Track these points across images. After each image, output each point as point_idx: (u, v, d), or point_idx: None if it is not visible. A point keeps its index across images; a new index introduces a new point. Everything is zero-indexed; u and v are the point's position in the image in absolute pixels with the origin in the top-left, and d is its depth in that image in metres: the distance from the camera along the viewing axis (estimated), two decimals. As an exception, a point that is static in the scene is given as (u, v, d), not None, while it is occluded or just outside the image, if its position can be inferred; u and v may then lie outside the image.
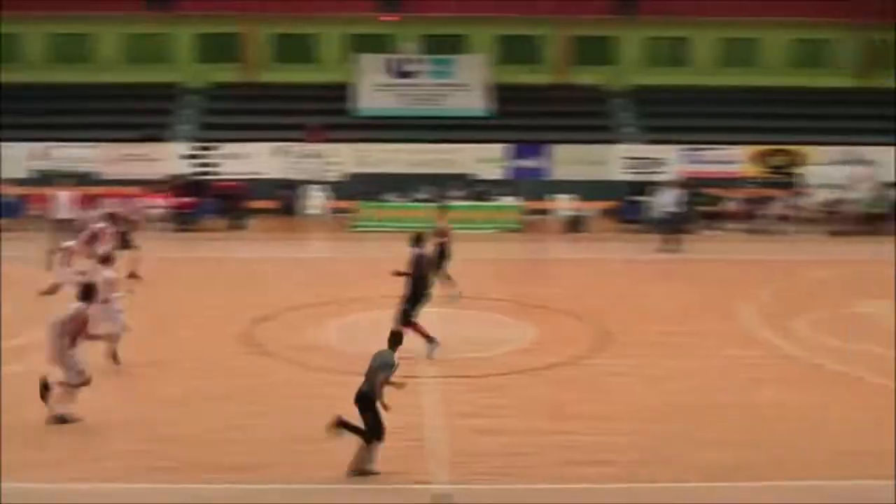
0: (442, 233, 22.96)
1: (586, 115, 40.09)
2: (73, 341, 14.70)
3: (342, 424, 13.07)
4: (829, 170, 37.18)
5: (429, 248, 20.31)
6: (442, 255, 22.51)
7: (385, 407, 12.98)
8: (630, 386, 17.54)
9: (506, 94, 39.89)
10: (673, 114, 40.01)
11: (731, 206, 34.88)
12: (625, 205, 35.60)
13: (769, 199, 35.32)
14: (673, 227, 30.89)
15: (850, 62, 42.03)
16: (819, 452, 14.51)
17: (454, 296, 22.74)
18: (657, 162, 37.54)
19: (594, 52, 41.67)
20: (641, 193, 35.17)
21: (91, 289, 15.25)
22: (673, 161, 37.50)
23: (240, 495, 12.58)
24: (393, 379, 13.21)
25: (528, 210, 35.13)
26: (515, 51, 41.73)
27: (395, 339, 13.60)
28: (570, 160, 37.63)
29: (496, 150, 37.93)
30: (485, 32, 41.52)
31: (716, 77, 41.35)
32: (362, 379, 13.09)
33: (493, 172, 37.60)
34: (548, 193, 35.99)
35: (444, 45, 41.07)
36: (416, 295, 18.89)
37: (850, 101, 41.03)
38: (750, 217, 34.64)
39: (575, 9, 39.89)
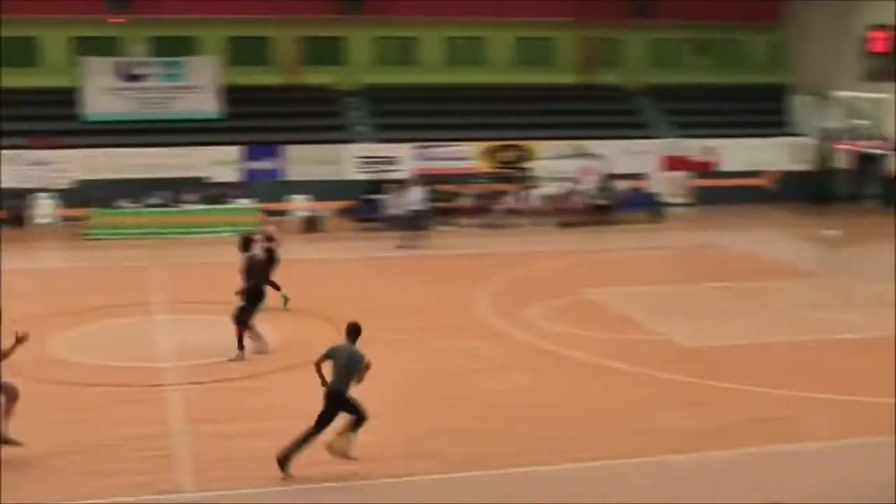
0: (270, 237, 22.61)
1: (319, 116, 40.24)
2: None
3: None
4: (557, 164, 38.56)
5: (258, 251, 20.46)
6: (271, 259, 22.13)
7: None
8: (365, 382, 17.79)
9: (238, 96, 39.61)
10: (404, 112, 40.63)
11: (465, 202, 35.72)
12: (360, 204, 35.95)
13: (500, 193, 36.34)
14: (413, 224, 31.49)
15: (572, 60, 43.62)
16: (543, 439, 15.15)
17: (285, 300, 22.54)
18: (391, 160, 38.04)
19: (324, 52, 41.84)
20: (377, 192, 35.60)
21: None
22: (406, 159, 38.08)
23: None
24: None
25: (265, 211, 35.02)
26: (246, 52, 41.46)
27: (354, 331, 14.01)
28: (304, 160, 37.69)
29: (230, 152, 37.63)
30: (215, 34, 41.08)
31: (444, 75, 42.19)
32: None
33: (228, 175, 37.28)
34: (283, 194, 35.98)
35: (173, 47, 40.40)
36: (253, 297, 19.19)
37: (574, 97, 42.63)
38: (483, 212, 35.54)
39: (302, 9, 39.95)
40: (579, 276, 26.90)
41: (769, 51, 45.48)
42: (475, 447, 14.72)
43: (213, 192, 35.31)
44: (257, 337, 19.50)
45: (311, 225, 34.40)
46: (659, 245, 31.76)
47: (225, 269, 21.52)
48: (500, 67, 42.84)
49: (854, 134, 29.20)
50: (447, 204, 35.30)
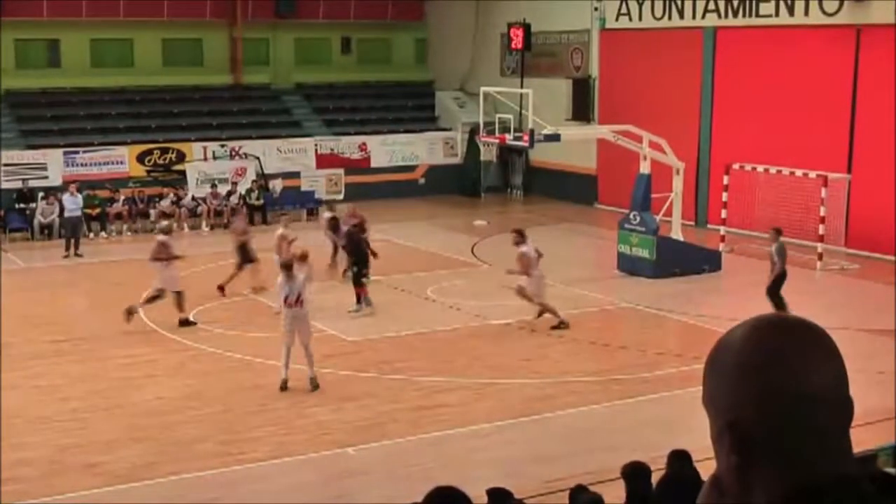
0: (354, 213, 26.44)
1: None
2: None
3: None
4: (211, 165, 38.39)
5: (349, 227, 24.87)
6: (363, 229, 25.11)
7: None
8: (27, 398, 17.42)
9: None
10: (51, 117, 39.39)
11: (118, 207, 35.02)
12: (8, 213, 34.60)
13: (154, 197, 35.87)
14: (73, 231, 30.75)
15: (221, 60, 43.46)
16: (204, 442, 15.35)
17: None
18: (40, 167, 36.78)
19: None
20: (27, 201, 34.39)
21: None
22: (56, 165, 36.89)
23: None
24: None
25: None
26: None
27: None
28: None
29: None
30: None
31: (90, 79, 41.12)
32: None
33: None
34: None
35: None
36: (363, 261, 23.45)
37: (225, 98, 42.53)
38: (137, 216, 34.99)
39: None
40: (237, 277, 26.99)
41: (415, 48, 46.91)
42: (134, 458, 14.71)
43: None
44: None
45: (-45, 238, 32.86)
46: (312, 242, 32.20)
47: None
48: (147, 69, 42.16)
49: (498, 128, 30.62)
50: (100, 210, 34.51)
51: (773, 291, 21.74)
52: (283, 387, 17.65)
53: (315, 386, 17.76)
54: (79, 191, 32.18)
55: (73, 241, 30.63)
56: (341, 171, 40.50)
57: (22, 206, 34.43)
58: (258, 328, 21.55)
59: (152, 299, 22.12)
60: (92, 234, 33.31)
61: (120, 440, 15.39)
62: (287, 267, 18.56)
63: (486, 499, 8.76)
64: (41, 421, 16.25)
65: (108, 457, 14.74)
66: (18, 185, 35.72)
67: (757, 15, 31.98)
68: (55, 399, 17.37)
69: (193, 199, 36.10)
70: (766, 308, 19.32)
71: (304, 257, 20.03)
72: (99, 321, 22.71)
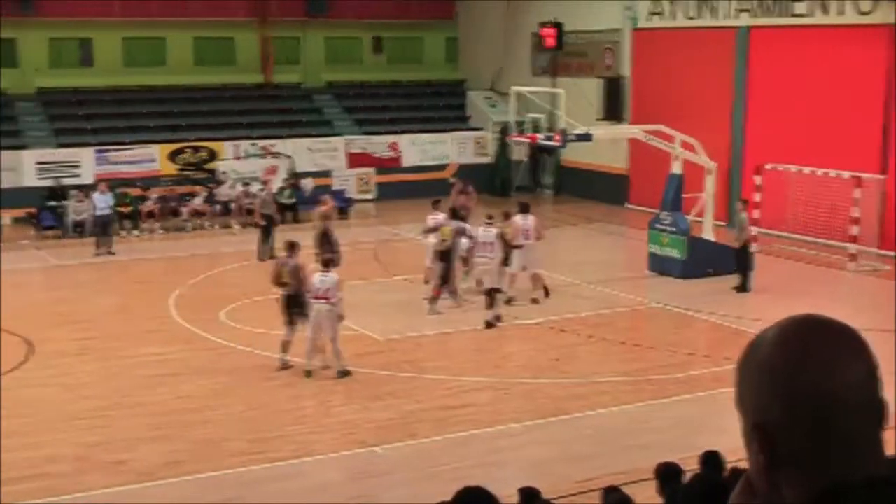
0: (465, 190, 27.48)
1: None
2: None
3: None
4: (242, 164, 38.48)
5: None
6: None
7: None
8: (55, 395, 17.48)
9: None
10: (83, 116, 39.56)
11: (150, 205, 35.11)
12: (41, 211, 34.74)
13: (186, 196, 35.96)
14: (103, 229, 30.84)
15: (252, 59, 43.55)
16: (233, 441, 15.33)
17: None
18: (72, 165, 36.95)
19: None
20: (60, 198, 34.54)
21: None
22: (88, 163, 37.06)
23: None
24: None
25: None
26: None
27: None
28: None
29: None
30: None
31: (122, 78, 41.28)
32: None
33: None
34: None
35: None
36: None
37: (256, 96, 42.61)
38: (169, 214, 35.08)
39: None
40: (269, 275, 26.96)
41: (446, 47, 46.84)
42: (160, 456, 14.70)
43: None
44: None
45: (-12, 235, 33.00)
46: (347, 241, 32.20)
47: None
48: (179, 68, 42.29)
49: (529, 127, 30.50)
50: (132, 208, 34.63)
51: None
52: (283, 366, 18.74)
53: (343, 373, 18.05)
54: (109, 189, 32.26)
55: (104, 239, 30.73)
56: (372, 170, 40.50)
57: (54, 203, 34.57)
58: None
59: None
60: (124, 233, 33.39)
61: (146, 438, 15.39)
62: (325, 263, 19.07)
63: (514, 499, 8.69)
64: (68, 418, 16.27)
65: (135, 454, 14.74)
66: (51, 182, 35.91)
67: (791, 14, 31.74)
68: (82, 396, 17.40)
69: (224, 197, 36.08)
70: (797, 309, 19.13)
71: (326, 262, 19.77)
72: (127, 319, 22.75)
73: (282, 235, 29.80)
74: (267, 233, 29.42)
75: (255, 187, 35.52)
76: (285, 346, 18.73)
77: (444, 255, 22.88)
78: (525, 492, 8.94)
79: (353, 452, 14.88)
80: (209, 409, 16.77)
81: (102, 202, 31.36)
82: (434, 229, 23.66)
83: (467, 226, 23.57)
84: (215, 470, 14.16)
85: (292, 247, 19.69)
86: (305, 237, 24.71)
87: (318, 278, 18.41)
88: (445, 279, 22.90)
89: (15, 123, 38.98)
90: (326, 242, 25.28)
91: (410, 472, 14.25)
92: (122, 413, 16.60)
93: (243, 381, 18.26)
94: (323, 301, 18.11)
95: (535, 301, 23.52)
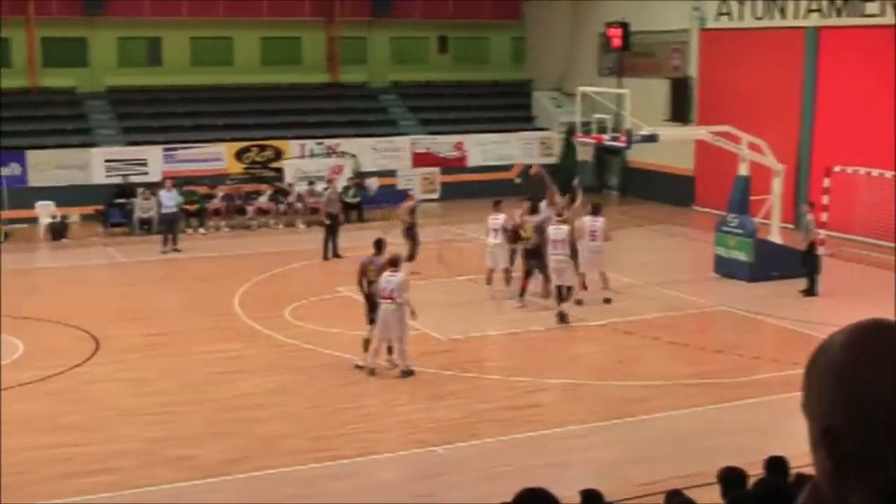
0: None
1: (62, 119, 39.12)
2: None
3: None
4: (308, 163, 38.68)
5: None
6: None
7: None
8: (121, 390, 17.67)
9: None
10: (151, 114, 39.98)
11: (216, 204, 35.38)
12: (109, 208, 35.14)
13: (252, 194, 36.19)
14: (169, 227, 31.13)
15: (318, 59, 43.75)
16: (298, 439, 15.39)
17: None
18: (140, 163, 37.36)
19: (65, 54, 40.68)
20: (127, 195, 34.93)
21: None
22: (156, 162, 37.46)
23: None
24: None
25: (8, 219, 33.82)
26: (-19, 54, 39.90)
27: None
28: (48, 166, 36.58)
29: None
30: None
31: (189, 76, 41.64)
32: None
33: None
34: (28, 201, 34.79)
35: None
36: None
37: (322, 96, 42.81)
38: (235, 213, 35.31)
39: (41, 9, 38.72)
40: (333, 273, 27.09)
41: (512, 48, 46.76)
42: (223, 452, 14.79)
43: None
44: None
45: (58, 231, 33.40)
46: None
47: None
48: (246, 68, 42.59)
49: (595, 128, 30.34)
50: (198, 206, 34.92)
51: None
52: (370, 372, 18.50)
53: (407, 373, 18.04)
54: (175, 187, 32.55)
55: (170, 236, 31.01)
56: (437, 169, 40.54)
57: (122, 201, 34.95)
58: (350, 325, 21.54)
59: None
60: (190, 230, 33.69)
61: (210, 434, 15.50)
62: (393, 262, 18.75)
63: (576, 500, 8.63)
64: (135, 413, 16.43)
65: (199, 450, 14.85)
66: (119, 180, 36.32)
67: (861, 14, 31.31)
68: (148, 392, 17.56)
69: (290, 196, 36.27)
70: (865, 313, 18.87)
71: (394, 262, 19.60)
72: (192, 316, 22.94)
73: (346, 234, 30.12)
74: (331, 232, 29.54)
75: (319, 186, 35.66)
76: (367, 345, 18.65)
77: (532, 253, 22.93)
78: (586, 494, 8.89)
79: (415, 452, 14.87)
80: (272, 406, 16.86)
81: (169, 200, 31.67)
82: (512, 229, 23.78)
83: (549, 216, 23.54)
84: (277, 467, 14.22)
85: (379, 245, 19.62)
86: (370, 236, 24.73)
87: (384, 278, 18.28)
88: (530, 273, 23.11)
89: (85, 122, 39.52)
90: (410, 237, 25.50)
91: (472, 472, 14.22)
92: (186, 409, 16.73)
93: (306, 378, 18.33)
94: (388, 301, 18.06)
95: (607, 301, 23.43)
